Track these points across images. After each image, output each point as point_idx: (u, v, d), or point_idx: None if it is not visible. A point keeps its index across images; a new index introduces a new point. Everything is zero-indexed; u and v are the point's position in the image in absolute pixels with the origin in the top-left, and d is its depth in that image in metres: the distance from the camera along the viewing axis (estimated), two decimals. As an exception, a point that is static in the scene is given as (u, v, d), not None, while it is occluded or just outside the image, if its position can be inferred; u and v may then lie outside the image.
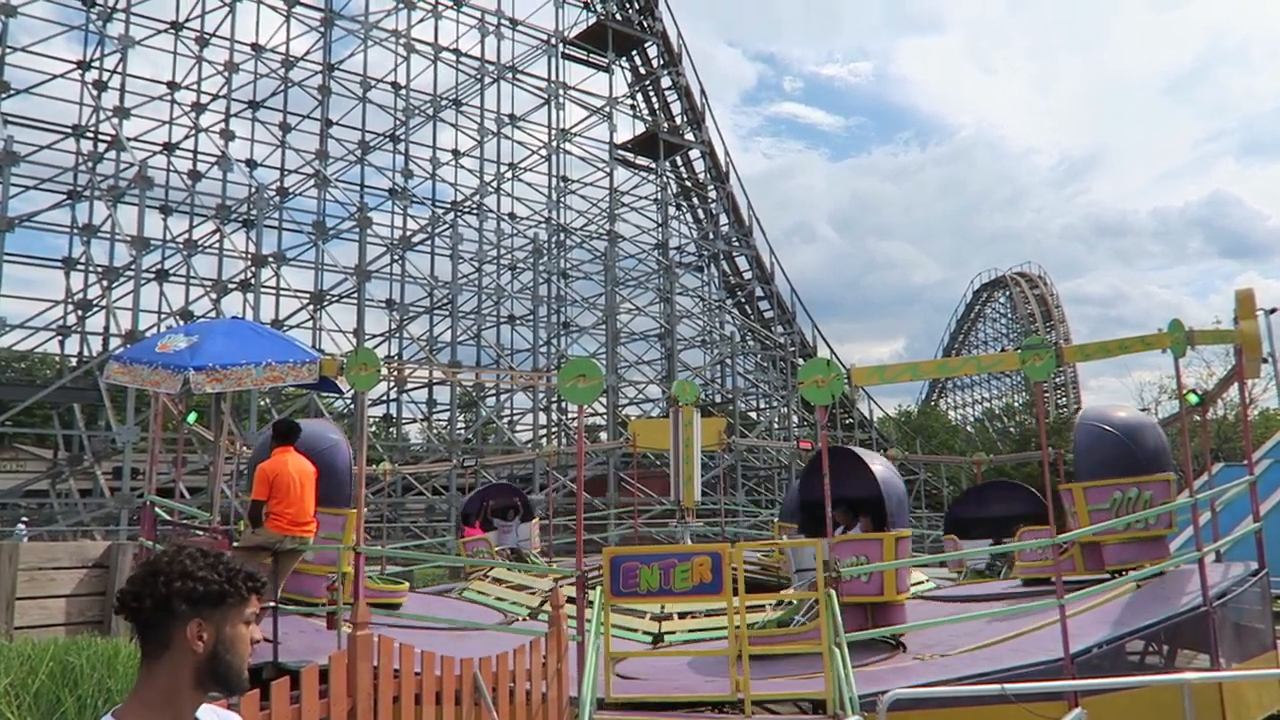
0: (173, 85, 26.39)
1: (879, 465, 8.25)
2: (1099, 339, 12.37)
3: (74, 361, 24.30)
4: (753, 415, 35.69)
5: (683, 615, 9.05)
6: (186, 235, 25.45)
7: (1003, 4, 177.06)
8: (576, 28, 33.12)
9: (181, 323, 22.07)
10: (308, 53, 28.08)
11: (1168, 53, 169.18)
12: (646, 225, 34.21)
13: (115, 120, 22.85)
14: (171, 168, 25.89)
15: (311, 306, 26.14)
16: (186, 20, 26.31)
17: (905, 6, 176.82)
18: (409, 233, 29.40)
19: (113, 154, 23.33)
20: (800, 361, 31.93)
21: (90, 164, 23.98)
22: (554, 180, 31.05)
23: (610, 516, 20.98)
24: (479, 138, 30.10)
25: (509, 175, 31.57)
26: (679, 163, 35.96)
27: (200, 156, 27.19)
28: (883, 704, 5.28)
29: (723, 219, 36.45)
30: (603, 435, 29.56)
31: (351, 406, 25.60)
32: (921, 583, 11.18)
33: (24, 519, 16.89)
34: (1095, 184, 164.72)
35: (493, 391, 29.65)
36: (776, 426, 33.71)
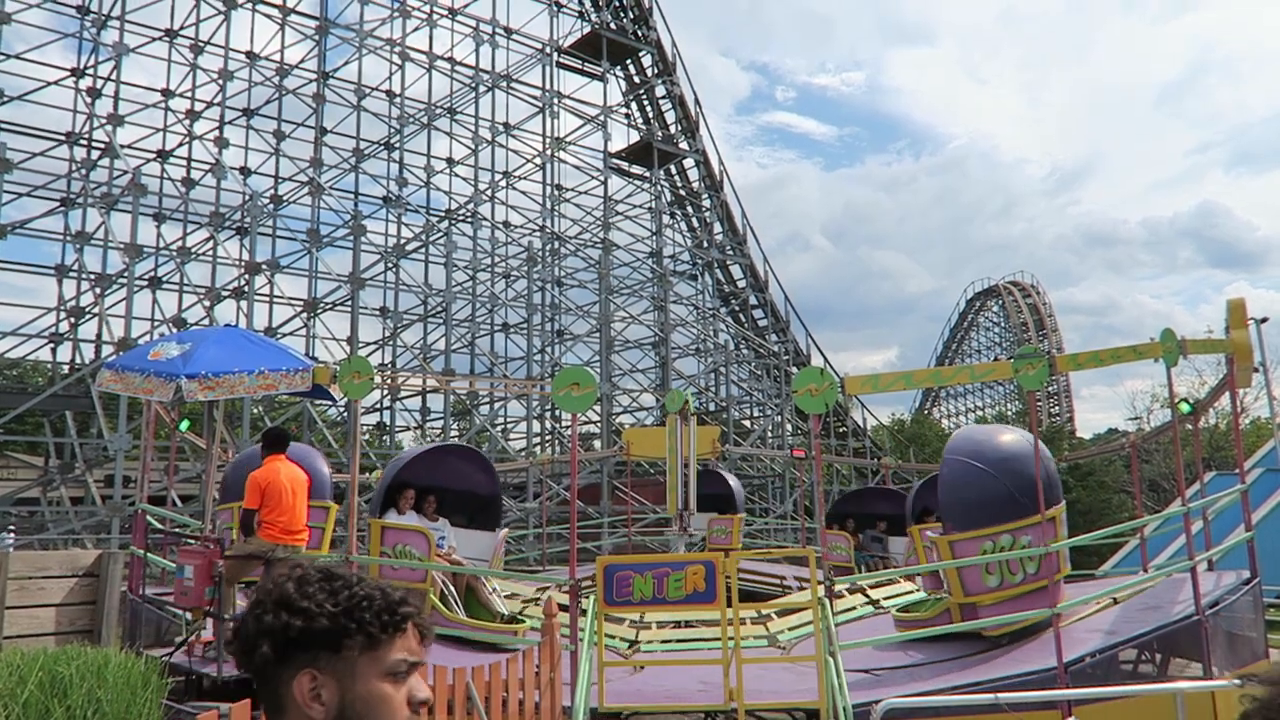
0: (167, 93, 26.36)
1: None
2: (1091, 348, 12.37)
3: (66, 369, 24.19)
4: (746, 423, 35.69)
5: (683, 624, 9.05)
6: (180, 243, 25.38)
7: (993, 15, 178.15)
8: (571, 37, 33.21)
9: (174, 330, 22.01)
10: (302, 61, 28.10)
11: (1158, 65, 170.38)
12: (641, 234, 34.27)
13: (109, 127, 22.81)
14: (165, 175, 25.81)
15: (305, 314, 26.09)
16: (181, 28, 26.32)
17: (896, 17, 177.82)
18: (403, 240, 29.38)
19: (106, 161, 23.28)
20: (794, 370, 31.96)
21: (84, 171, 23.92)
22: (548, 188, 31.09)
23: (604, 525, 20.94)
24: (473, 146, 30.12)
25: (503, 183, 31.60)
26: (673, 171, 36.03)
27: (194, 164, 27.17)
28: (877, 713, 5.27)
29: (717, 228, 36.52)
30: (596, 443, 29.52)
31: (345, 414, 25.52)
32: (911, 592, 11.16)
33: (10, 527, 16.75)
34: (1086, 194, 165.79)
35: (487, 399, 29.60)
36: (770, 435, 33.70)
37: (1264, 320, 14.73)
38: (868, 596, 10.91)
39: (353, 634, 1.26)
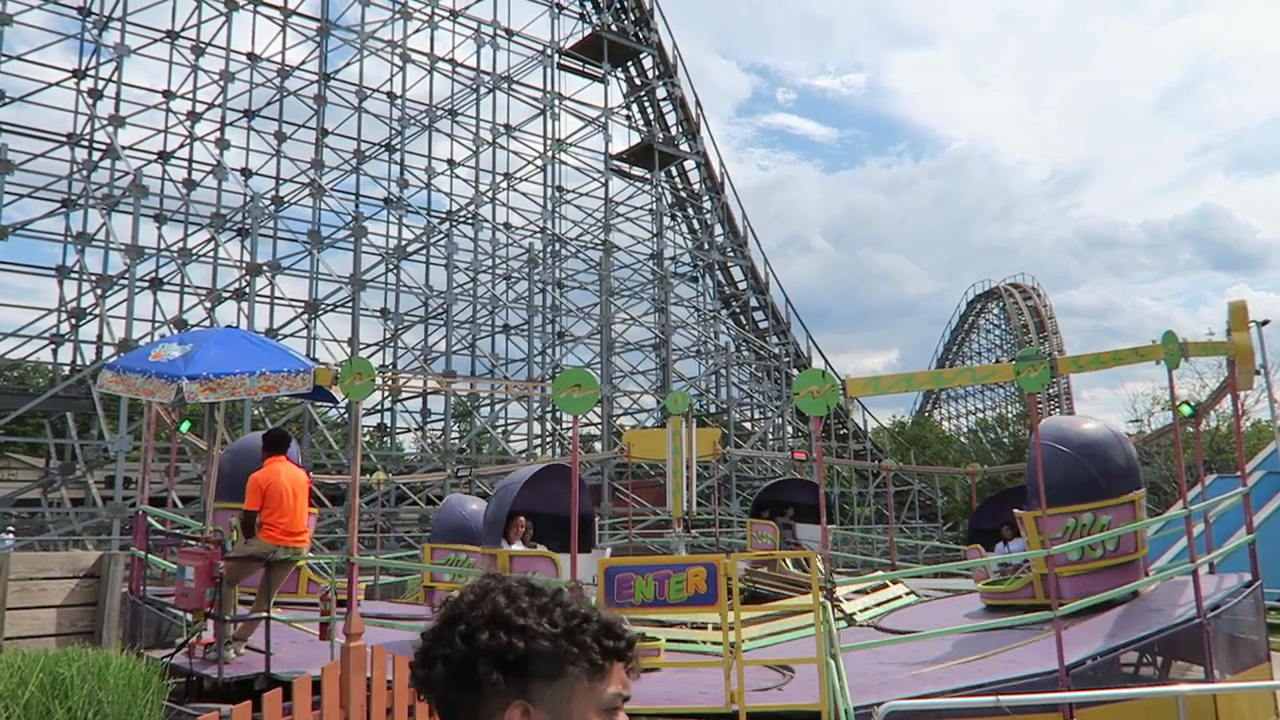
0: (168, 94, 26.38)
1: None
2: (1091, 350, 12.38)
3: (67, 370, 24.19)
4: (747, 426, 35.68)
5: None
6: (181, 244, 25.40)
7: (993, 18, 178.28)
8: (572, 38, 33.24)
9: (175, 331, 22.01)
10: (304, 62, 28.12)
11: (1157, 68, 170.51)
12: (641, 235, 34.29)
13: (110, 129, 22.83)
14: (166, 176, 25.84)
15: (306, 316, 26.10)
16: (183, 29, 26.34)
17: (896, 19, 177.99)
18: (404, 242, 29.39)
19: (107, 162, 23.30)
20: (794, 372, 31.96)
21: (85, 172, 23.94)
22: (549, 190, 31.10)
23: (605, 527, 20.93)
24: (474, 148, 30.14)
25: (504, 185, 31.61)
26: (674, 173, 36.05)
27: (195, 165, 27.19)
28: (878, 716, 5.26)
29: (717, 229, 36.53)
30: (597, 445, 29.52)
31: (346, 416, 25.52)
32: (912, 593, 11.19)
33: (10, 528, 16.73)
34: (1087, 197, 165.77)
35: (487, 401, 29.60)
36: (771, 437, 33.70)
37: (1265, 323, 14.74)
38: (907, 588, 11.07)
39: (576, 660, 1.08)
